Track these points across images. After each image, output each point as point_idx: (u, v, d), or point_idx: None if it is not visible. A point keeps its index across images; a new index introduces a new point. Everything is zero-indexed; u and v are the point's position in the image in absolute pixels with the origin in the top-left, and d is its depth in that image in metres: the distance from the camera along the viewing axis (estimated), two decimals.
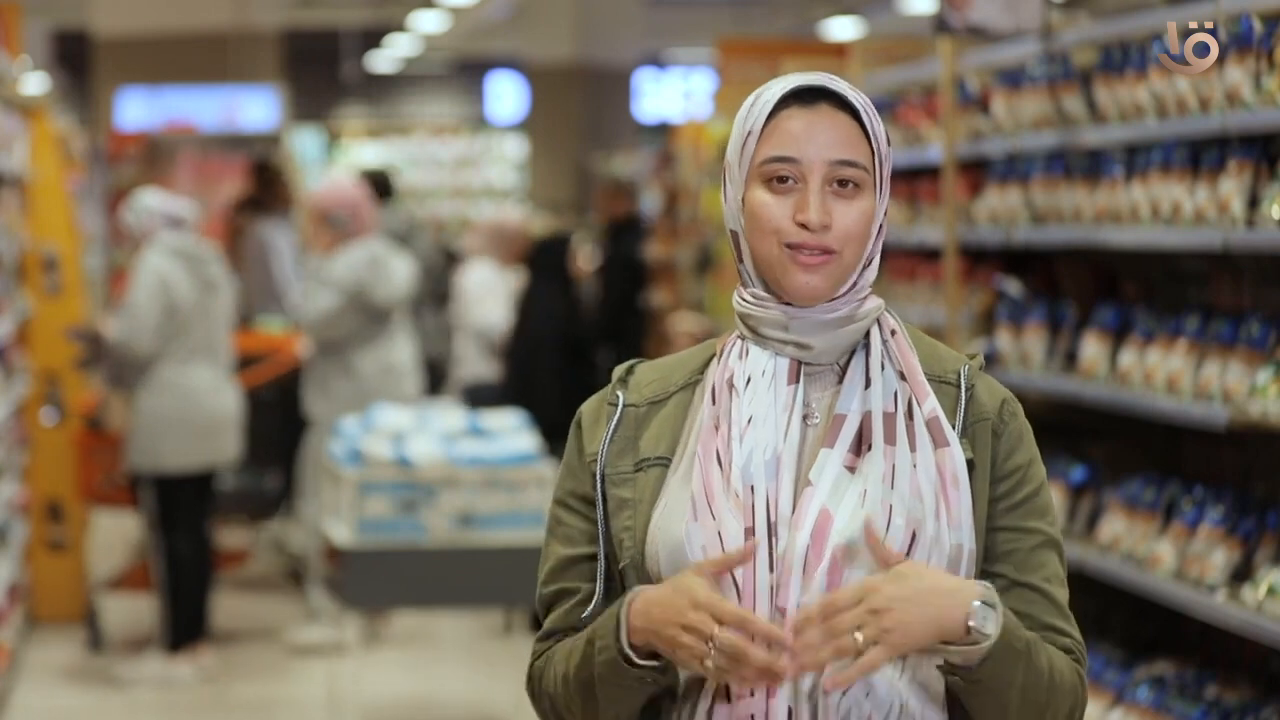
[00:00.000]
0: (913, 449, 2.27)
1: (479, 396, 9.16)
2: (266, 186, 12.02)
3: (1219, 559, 4.59)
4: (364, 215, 8.34)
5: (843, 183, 2.28)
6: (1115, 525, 5.12)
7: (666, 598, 2.21)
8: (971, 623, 2.17)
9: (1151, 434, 5.42)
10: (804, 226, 2.26)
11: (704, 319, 10.02)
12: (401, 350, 8.41)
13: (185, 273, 7.74)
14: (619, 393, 2.39)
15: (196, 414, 7.70)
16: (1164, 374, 4.87)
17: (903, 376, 2.31)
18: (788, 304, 2.30)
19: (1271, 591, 4.33)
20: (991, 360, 5.75)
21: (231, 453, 7.94)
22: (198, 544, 7.78)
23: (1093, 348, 5.30)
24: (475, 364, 9.70)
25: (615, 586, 2.34)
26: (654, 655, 2.23)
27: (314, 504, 8.19)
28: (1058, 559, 2.34)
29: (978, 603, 2.18)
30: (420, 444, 6.52)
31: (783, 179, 2.28)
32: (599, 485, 2.35)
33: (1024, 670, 2.21)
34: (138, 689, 7.64)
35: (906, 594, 2.16)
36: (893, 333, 2.34)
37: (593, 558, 2.36)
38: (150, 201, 7.92)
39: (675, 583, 2.21)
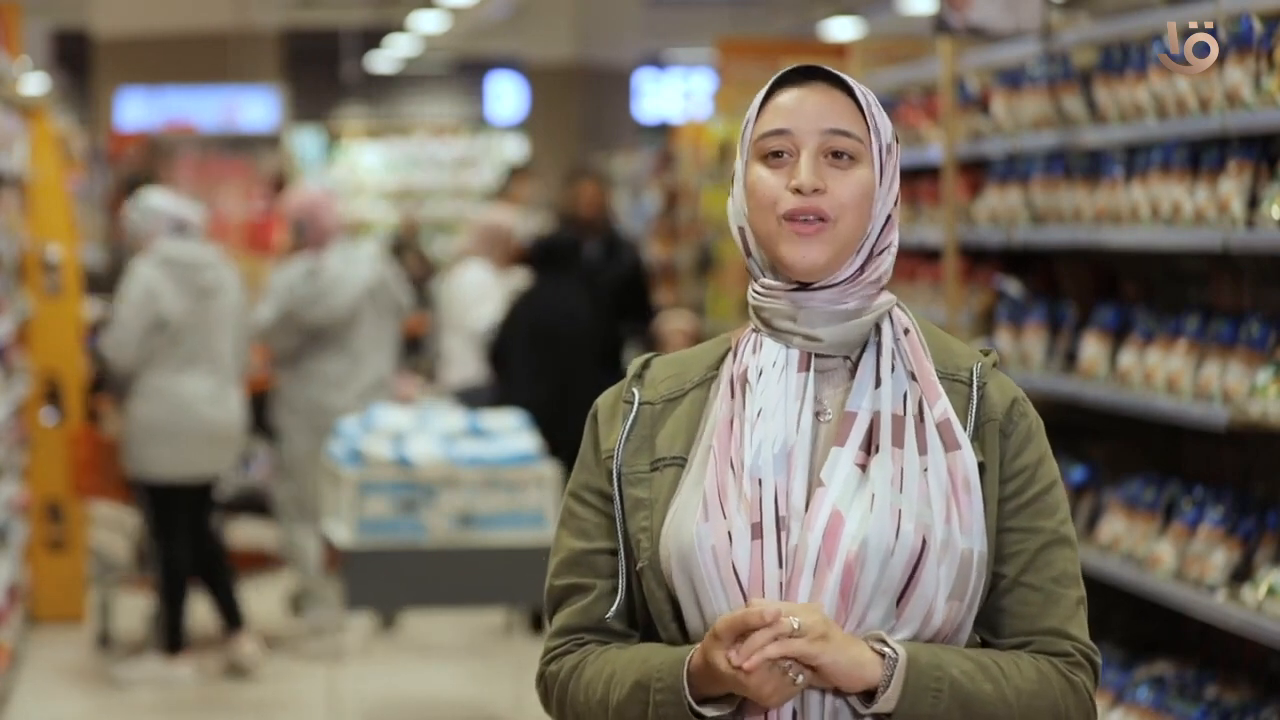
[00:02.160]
0: (923, 452, 2.25)
1: (470, 399, 9.08)
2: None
3: (1219, 559, 4.59)
4: (322, 223, 8.03)
5: (838, 154, 2.29)
6: (1115, 525, 5.12)
7: (703, 669, 2.20)
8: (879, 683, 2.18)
9: (1151, 434, 5.42)
10: (798, 191, 2.27)
11: (694, 316, 9.99)
12: (354, 364, 8.09)
13: (175, 282, 7.57)
14: (634, 389, 2.37)
15: (190, 423, 7.57)
16: (1164, 374, 4.87)
17: (914, 377, 2.30)
18: (794, 288, 2.29)
19: (1271, 591, 4.33)
20: None
21: (229, 463, 7.85)
22: (197, 548, 7.73)
23: (1093, 348, 5.30)
24: (466, 366, 9.62)
25: (632, 586, 2.33)
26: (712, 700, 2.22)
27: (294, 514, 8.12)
28: (1068, 559, 2.31)
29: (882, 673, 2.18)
30: (420, 444, 6.52)
31: (778, 153, 2.29)
32: (616, 483, 2.33)
33: (961, 712, 2.20)
34: (137, 689, 7.64)
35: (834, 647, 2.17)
36: (906, 331, 2.33)
37: (606, 552, 2.34)
38: (157, 202, 7.76)
39: (704, 657, 2.20)
